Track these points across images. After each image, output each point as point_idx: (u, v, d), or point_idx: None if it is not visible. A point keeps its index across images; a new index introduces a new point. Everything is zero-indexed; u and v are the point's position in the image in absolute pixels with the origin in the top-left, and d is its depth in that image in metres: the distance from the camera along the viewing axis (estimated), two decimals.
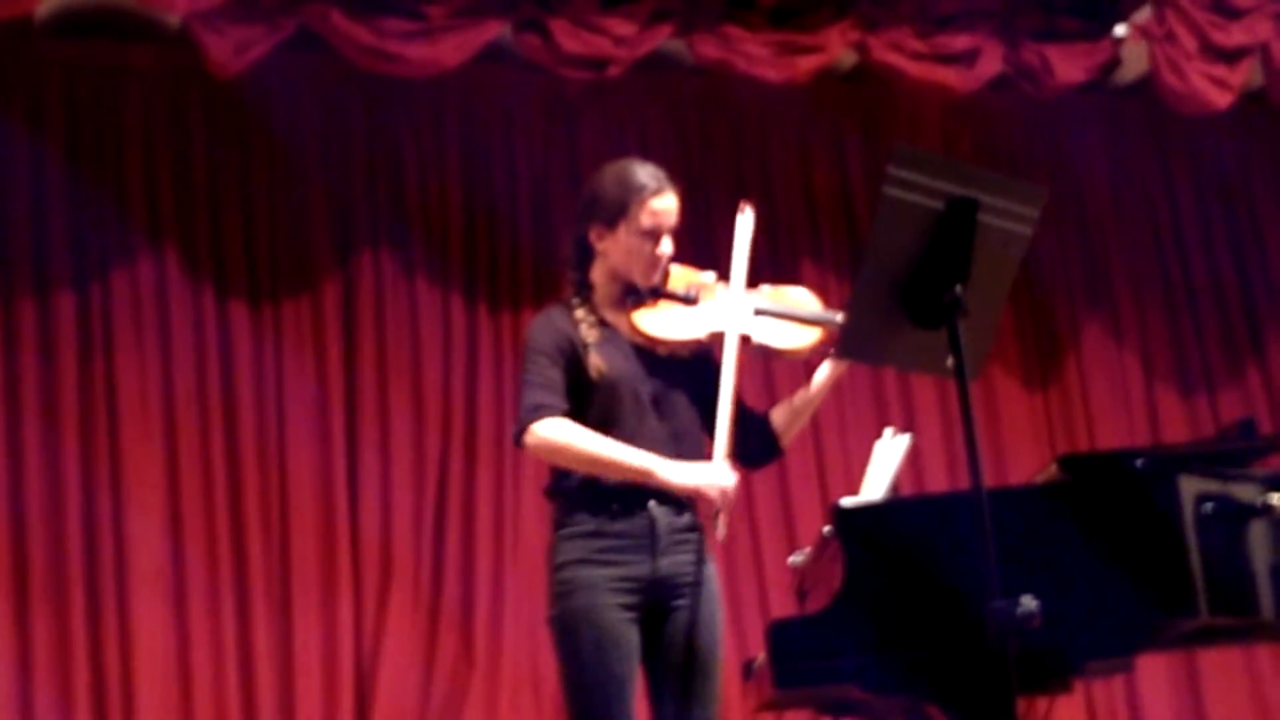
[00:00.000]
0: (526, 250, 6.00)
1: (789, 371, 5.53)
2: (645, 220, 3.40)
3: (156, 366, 5.55)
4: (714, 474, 3.27)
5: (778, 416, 3.59)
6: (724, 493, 3.25)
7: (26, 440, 5.39)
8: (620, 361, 3.41)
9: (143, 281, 5.60)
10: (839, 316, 3.46)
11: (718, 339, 3.41)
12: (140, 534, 5.40)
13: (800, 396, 3.57)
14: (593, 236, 3.46)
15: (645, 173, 3.45)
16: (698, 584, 3.39)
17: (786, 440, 3.59)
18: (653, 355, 3.45)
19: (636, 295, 3.45)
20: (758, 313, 3.46)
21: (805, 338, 3.49)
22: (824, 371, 3.54)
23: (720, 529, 3.27)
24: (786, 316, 3.49)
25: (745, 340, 3.43)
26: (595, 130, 6.19)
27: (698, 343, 3.46)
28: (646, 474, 3.28)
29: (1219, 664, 6.32)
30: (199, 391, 5.59)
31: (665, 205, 3.43)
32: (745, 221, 3.53)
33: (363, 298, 5.84)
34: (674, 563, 3.37)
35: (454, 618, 5.67)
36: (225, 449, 5.58)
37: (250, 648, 5.45)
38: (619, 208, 3.41)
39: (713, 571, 3.45)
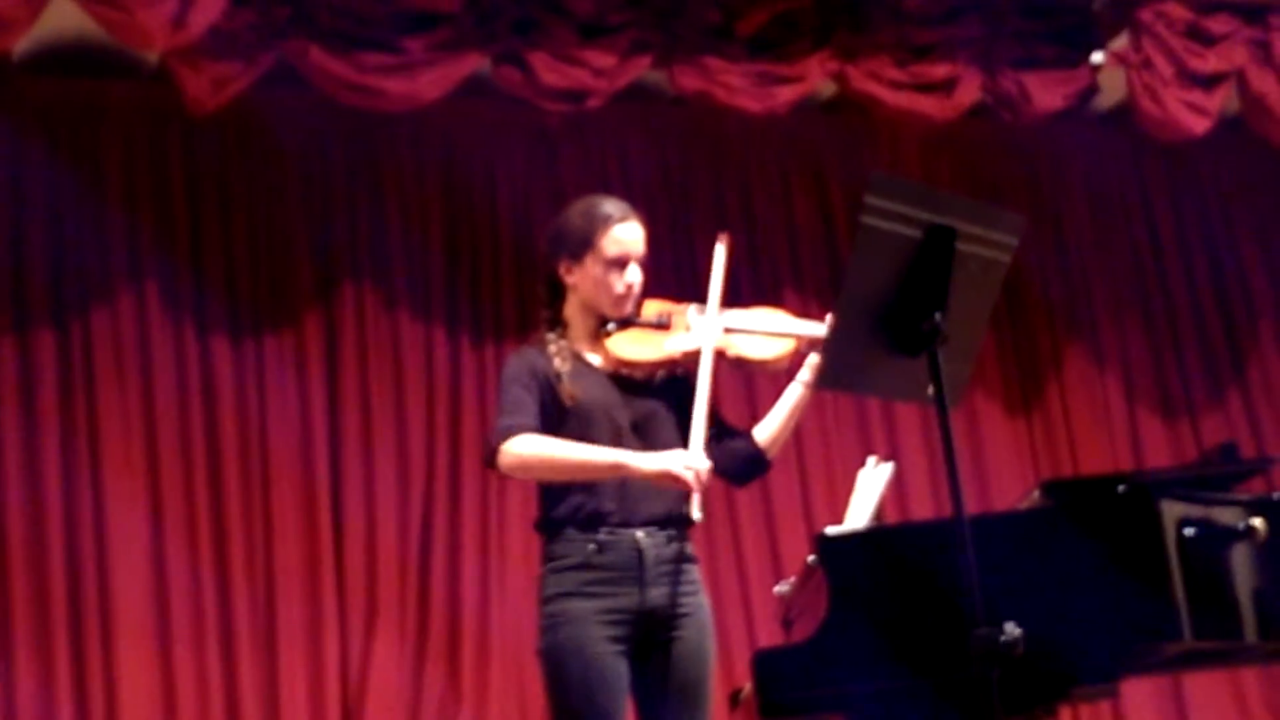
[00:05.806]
0: (509, 282, 6.00)
1: (771, 390, 5.54)
2: (611, 249, 3.42)
3: (138, 403, 5.53)
4: (685, 457, 3.26)
5: (760, 432, 3.58)
6: (697, 474, 3.24)
7: (8, 479, 5.35)
8: (594, 389, 3.41)
9: (124, 317, 5.58)
10: (809, 326, 3.47)
11: (692, 357, 3.41)
12: (124, 573, 5.36)
13: (775, 409, 3.56)
14: (561, 271, 3.48)
15: (609, 204, 3.49)
16: (687, 615, 3.39)
17: (773, 454, 3.57)
18: (630, 381, 3.46)
19: (609, 325, 3.46)
20: (730, 330, 3.47)
21: (779, 348, 3.50)
22: (795, 386, 3.53)
23: (695, 511, 3.27)
24: (759, 330, 3.51)
25: (720, 354, 3.44)
26: (576, 162, 6.20)
27: (673, 362, 3.46)
28: (617, 467, 3.28)
29: (1205, 687, 6.32)
30: (181, 428, 5.56)
31: (630, 233, 3.46)
32: (721, 252, 3.54)
33: (345, 331, 5.83)
34: (663, 594, 3.36)
35: (440, 652, 5.64)
36: (208, 485, 5.55)
37: (236, 686, 5.41)
38: (584, 239, 3.44)
39: (704, 603, 3.44)
